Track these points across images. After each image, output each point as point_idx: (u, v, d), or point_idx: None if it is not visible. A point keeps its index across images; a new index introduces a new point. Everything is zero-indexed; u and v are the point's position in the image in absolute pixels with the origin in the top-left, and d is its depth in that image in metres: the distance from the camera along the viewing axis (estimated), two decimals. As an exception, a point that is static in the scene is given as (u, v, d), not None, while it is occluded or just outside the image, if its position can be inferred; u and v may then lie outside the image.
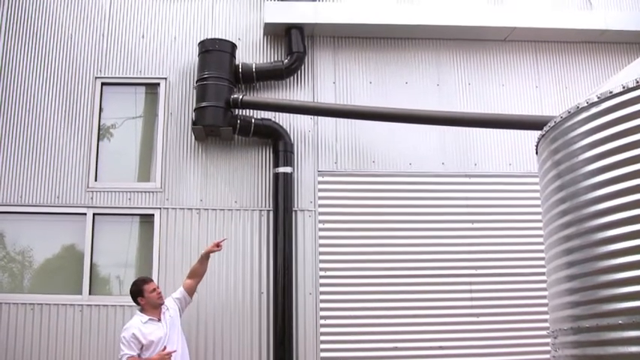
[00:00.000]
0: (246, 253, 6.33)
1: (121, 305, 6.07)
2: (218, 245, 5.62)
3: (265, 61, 6.92)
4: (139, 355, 5.15)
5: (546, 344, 4.18)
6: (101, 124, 6.72)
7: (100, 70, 6.80)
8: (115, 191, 6.44)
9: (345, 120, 6.73)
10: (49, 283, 6.29)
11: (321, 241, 6.41)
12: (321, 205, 6.52)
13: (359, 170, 6.67)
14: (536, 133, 4.26)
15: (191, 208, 6.42)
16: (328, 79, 6.94)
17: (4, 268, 6.38)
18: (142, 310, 5.34)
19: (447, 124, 6.53)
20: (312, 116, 6.74)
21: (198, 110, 6.38)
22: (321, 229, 6.44)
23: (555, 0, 7.38)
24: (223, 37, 6.77)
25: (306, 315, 6.22)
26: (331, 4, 7.02)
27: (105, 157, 6.62)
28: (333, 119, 6.74)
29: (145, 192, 6.46)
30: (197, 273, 5.66)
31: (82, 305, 6.10)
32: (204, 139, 6.59)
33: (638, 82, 3.31)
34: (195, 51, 6.77)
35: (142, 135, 6.79)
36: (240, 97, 6.43)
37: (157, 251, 6.27)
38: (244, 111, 6.64)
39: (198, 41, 6.72)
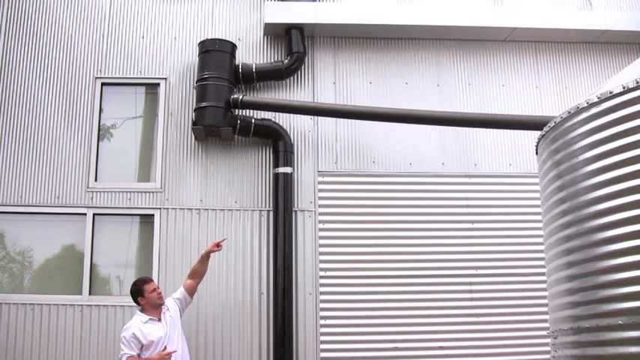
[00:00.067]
0: (246, 254, 6.33)
1: (121, 305, 6.07)
2: (218, 245, 5.62)
3: (265, 61, 6.92)
4: (138, 355, 5.15)
5: (546, 344, 4.18)
6: (101, 124, 6.72)
7: (100, 71, 6.80)
8: (115, 191, 6.44)
9: (345, 120, 6.73)
10: (49, 283, 6.29)
11: (321, 242, 6.41)
12: (321, 206, 6.52)
13: (359, 170, 6.67)
14: (536, 134, 4.26)
15: (191, 209, 6.42)
16: (328, 79, 6.94)
17: (4, 268, 6.38)
18: (143, 310, 5.34)
19: (447, 124, 6.53)
20: (312, 116, 6.74)
21: (198, 110, 6.38)
22: (321, 229, 6.44)
23: (555, 0, 7.38)
24: (223, 38, 6.77)
25: (306, 315, 6.22)
26: (331, 4, 7.02)
27: (105, 157, 6.62)
28: (333, 119, 6.74)
29: (145, 192, 6.46)
30: (197, 273, 5.66)
31: (82, 305, 6.10)
32: (204, 139, 6.59)
33: (638, 82, 3.31)
34: (195, 51, 6.77)
35: (142, 135, 6.79)
36: (240, 97, 6.43)
37: (157, 251, 6.27)
38: (244, 111, 6.64)
39: (199, 41, 6.72)
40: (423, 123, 6.52)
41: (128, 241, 6.47)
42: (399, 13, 6.93)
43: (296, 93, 6.88)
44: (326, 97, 6.87)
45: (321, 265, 6.35)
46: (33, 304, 6.07)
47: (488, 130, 6.72)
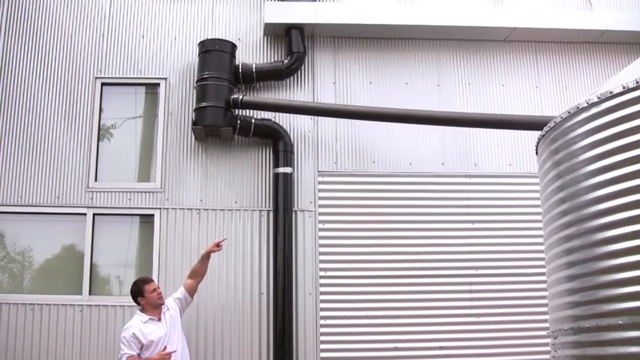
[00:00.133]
0: (246, 254, 6.33)
1: (121, 305, 6.07)
2: (218, 245, 5.62)
3: (265, 61, 6.92)
4: (138, 355, 5.15)
5: (546, 344, 4.18)
6: (101, 124, 6.72)
7: (100, 71, 6.80)
8: (115, 191, 6.44)
9: (345, 120, 6.73)
10: (49, 283, 6.29)
11: (321, 242, 6.41)
12: (321, 206, 6.52)
13: (359, 170, 6.67)
14: (536, 134, 4.26)
15: (191, 209, 6.42)
16: (328, 79, 6.94)
17: (4, 268, 6.38)
18: (143, 310, 5.34)
19: (447, 124, 6.53)
20: (312, 116, 6.74)
21: (198, 110, 6.38)
22: (321, 229, 6.44)
23: (555, 0, 7.38)
24: (223, 38, 6.77)
25: (306, 315, 6.22)
26: (331, 4, 7.02)
27: (105, 157, 6.62)
28: (333, 119, 6.74)
29: (145, 192, 6.46)
30: (198, 273, 5.66)
31: (82, 305, 6.10)
32: (204, 139, 6.59)
33: (638, 82, 3.31)
34: (195, 51, 6.77)
35: (142, 135, 6.79)
36: (240, 97, 6.43)
37: (156, 251, 6.27)
38: (244, 111, 6.64)
39: (199, 41, 6.72)
40: (423, 123, 6.52)
41: (128, 241, 6.47)
42: (399, 13, 6.93)
43: (296, 93, 6.88)
44: (326, 97, 6.87)
45: (321, 265, 6.35)
46: (33, 304, 6.07)
47: (488, 130, 6.72)
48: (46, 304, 6.07)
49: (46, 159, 6.49)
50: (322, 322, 6.21)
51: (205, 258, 5.65)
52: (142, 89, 6.90)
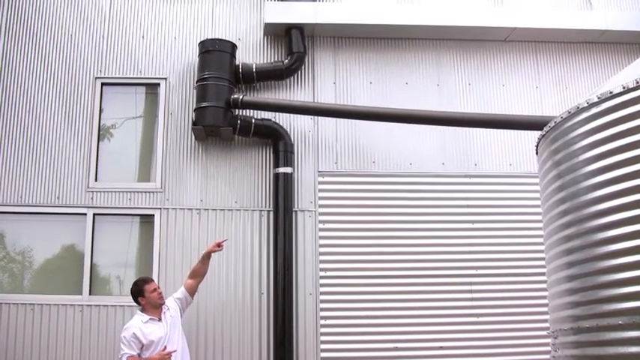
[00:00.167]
0: (246, 254, 6.33)
1: (121, 305, 6.07)
2: (219, 245, 5.62)
3: (265, 61, 6.93)
4: (139, 355, 5.15)
5: (546, 344, 4.18)
6: (101, 124, 6.72)
7: (100, 71, 6.80)
8: (115, 191, 6.44)
9: (345, 120, 6.73)
10: (49, 283, 6.29)
11: (321, 241, 6.41)
12: (321, 206, 6.52)
13: (359, 170, 6.67)
14: (537, 134, 4.26)
15: (191, 209, 6.42)
16: (328, 79, 6.94)
17: (4, 268, 6.38)
18: (143, 310, 5.34)
19: (447, 124, 6.53)
20: (312, 116, 6.74)
21: (198, 110, 6.38)
22: (321, 229, 6.44)
23: (555, 0, 7.38)
24: (223, 38, 6.77)
25: (306, 315, 6.22)
26: (331, 4, 7.02)
27: (105, 157, 6.62)
28: (333, 119, 6.74)
29: (145, 192, 6.46)
30: (198, 273, 5.66)
31: (82, 305, 6.10)
32: (205, 139, 6.59)
33: (638, 82, 3.31)
34: (195, 51, 6.77)
35: (142, 135, 6.79)
36: (241, 97, 6.43)
37: (157, 251, 6.27)
38: (244, 111, 6.64)
39: (199, 41, 6.72)
40: (423, 123, 6.53)
41: (128, 241, 6.47)
42: (399, 13, 6.93)
43: (296, 93, 6.88)
44: (326, 97, 6.87)
45: (321, 265, 6.35)
46: (33, 304, 6.07)
47: (488, 130, 6.72)
48: (46, 304, 6.07)
49: (47, 159, 6.49)
50: (322, 322, 6.21)
51: (206, 258, 5.65)
52: (142, 89, 6.90)
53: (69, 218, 6.37)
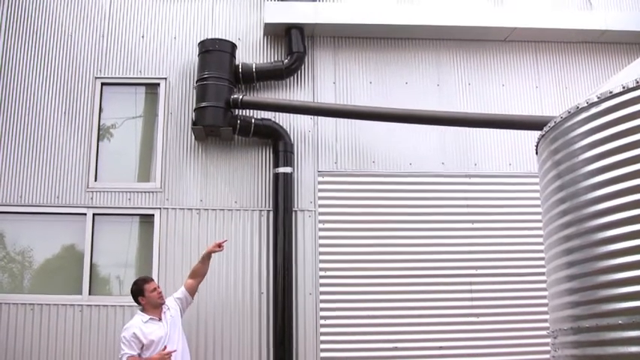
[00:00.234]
0: (246, 253, 6.33)
1: (120, 305, 6.07)
2: (220, 246, 5.62)
3: (265, 61, 6.93)
4: (139, 355, 5.15)
5: (546, 344, 4.18)
6: (101, 124, 6.72)
7: (100, 70, 6.80)
8: (114, 191, 6.44)
9: (345, 120, 6.73)
10: (49, 283, 6.29)
11: (321, 241, 6.41)
12: (321, 205, 6.52)
13: (359, 170, 6.67)
14: (536, 133, 4.26)
15: (191, 208, 6.43)
16: (328, 79, 6.94)
17: (4, 268, 6.38)
18: (143, 310, 5.34)
19: (447, 124, 6.53)
20: (312, 116, 6.74)
21: (198, 110, 6.38)
22: (321, 229, 6.44)
23: (555, 0, 7.38)
24: (223, 37, 6.77)
25: (306, 315, 6.22)
26: (331, 4, 7.02)
27: (105, 157, 6.62)
28: (333, 119, 6.74)
29: (145, 192, 6.46)
30: (198, 273, 5.66)
31: (82, 305, 6.10)
32: (204, 139, 6.59)
33: (638, 82, 3.31)
34: (195, 51, 6.77)
35: (142, 135, 6.79)
36: (240, 97, 6.43)
37: (156, 251, 6.27)
38: (244, 111, 6.64)
39: (198, 41, 6.72)
40: (423, 123, 6.52)
41: (128, 241, 6.48)
42: (399, 13, 6.93)
43: (296, 93, 6.88)
44: (326, 97, 6.87)
45: (321, 265, 6.35)
46: (33, 304, 6.07)
47: (488, 130, 6.72)
48: (46, 304, 6.07)
49: (46, 159, 6.49)
50: (322, 322, 6.21)
51: (206, 258, 5.65)
52: (142, 89, 6.90)
53: (69, 218, 6.37)
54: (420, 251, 6.44)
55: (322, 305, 6.25)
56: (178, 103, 6.74)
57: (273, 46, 7.01)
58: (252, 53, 6.95)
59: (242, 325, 6.15)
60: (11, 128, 6.57)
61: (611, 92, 3.42)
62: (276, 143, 6.51)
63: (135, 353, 5.13)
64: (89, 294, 6.16)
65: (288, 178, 6.40)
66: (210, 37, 6.78)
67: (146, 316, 5.27)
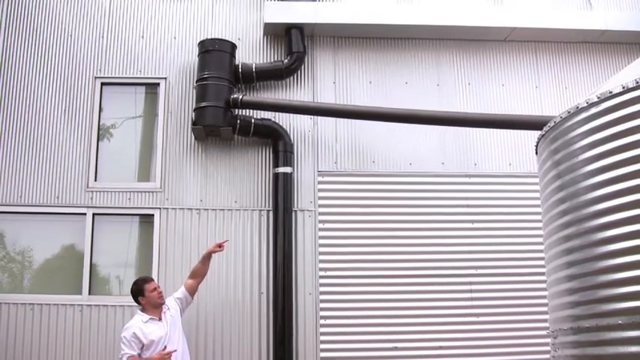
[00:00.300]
0: (246, 253, 6.33)
1: (120, 305, 6.07)
2: (220, 246, 5.62)
3: (265, 61, 6.92)
4: (139, 355, 5.15)
5: (546, 344, 4.18)
6: (101, 123, 6.71)
7: (100, 70, 6.80)
8: (114, 191, 6.44)
9: (345, 120, 6.73)
10: (49, 283, 6.29)
11: (321, 241, 6.41)
12: (321, 205, 6.52)
13: (359, 170, 6.67)
14: (536, 133, 4.26)
15: (191, 208, 6.42)
16: (328, 79, 6.94)
17: (4, 268, 6.38)
18: (143, 310, 5.34)
19: (447, 124, 6.53)
20: (312, 116, 6.74)
21: (198, 110, 6.38)
22: (321, 229, 6.44)
23: (555, 0, 7.38)
24: (223, 37, 6.77)
25: (306, 315, 6.22)
26: (331, 4, 7.02)
27: (105, 156, 6.62)
28: (333, 119, 6.74)
29: (145, 192, 6.46)
30: (199, 273, 5.66)
31: (81, 305, 6.10)
32: (204, 139, 6.59)
33: (637, 82, 3.31)
34: (194, 51, 6.77)
35: (142, 135, 6.79)
36: (240, 97, 6.43)
37: (156, 251, 6.27)
38: (244, 111, 6.64)
39: (198, 41, 6.72)
40: (423, 123, 6.52)
41: (128, 240, 6.47)
42: (399, 13, 6.93)
43: (296, 93, 6.88)
44: (326, 96, 6.87)
45: (321, 265, 6.35)
46: (33, 303, 6.07)
47: (488, 130, 6.72)
48: (46, 304, 6.07)
49: (46, 159, 6.49)
50: (322, 322, 6.21)
51: (206, 258, 5.65)
52: (142, 89, 6.90)
53: (68, 218, 6.37)
54: (419, 251, 6.44)
55: (322, 305, 6.25)
56: (178, 102, 6.74)
57: (273, 46, 7.01)
58: (252, 53, 6.95)
59: (242, 325, 6.15)
60: (11, 127, 6.57)
61: (610, 92, 3.42)
62: (276, 143, 6.51)
63: (135, 353, 5.13)
64: (89, 294, 6.16)
65: (288, 178, 6.41)
66: (210, 36, 6.78)
67: (146, 316, 5.27)
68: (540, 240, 4.26)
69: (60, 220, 6.38)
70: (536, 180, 4.25)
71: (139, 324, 5.21)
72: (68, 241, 6.40)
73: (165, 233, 6.33)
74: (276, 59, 6.92)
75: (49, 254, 6.38)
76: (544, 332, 4.33)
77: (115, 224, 6.41)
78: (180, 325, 5.46)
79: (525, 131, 6.43)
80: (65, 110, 6.65)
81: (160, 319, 5.30)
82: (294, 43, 6.78)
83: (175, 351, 5.19)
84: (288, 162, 6.45)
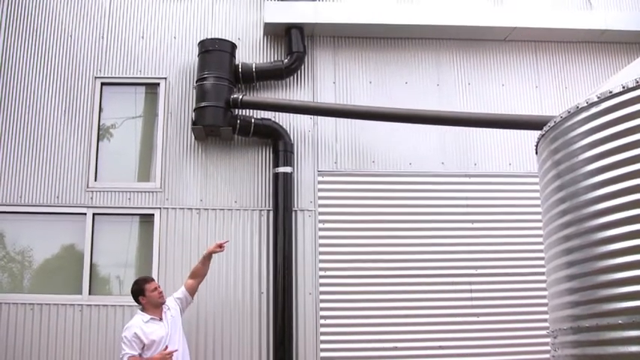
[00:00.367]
0: (246, 253, 6.33)
1: (120, 305, 6.07)
2: (220, 246, 5.62)
3: (265, 61, 6.93)
4: (140, 355, 5.15)
5: (546, 344, 4.18)
6: (101, 123, 6.72)
7: (100, 70, 6.80)
8: (114, 191, 6.44)
9: (345, 120, 6.73)
10: (48, 283, 6.29)
11: (321, 241, 6.41)
12: (321, 205, 6.52)
13: (359, 170, 6.67)
14: (536, 133, 4.26)
15: (191, 208, 6.42)
16: (328, 79, 6.94)
17: (4, 268, 6.38)
18: (144, 310, 5.34)
19: (447, 124, 6.53)
20: (312, 116, 6.74)
21: (198, 110, 6.38)
22: (321, 229, 6.44)
23: (555, 0, 7.38)
24: (223, 37, 6.77)
25: (306, 315, 6.22)
26: (331, 4, 7.02)
27: (105, 156, 6.62)
28: (333, 119, 6.74)
29: (145, 192, 6.46)
30: (199, 273, 5.66)
31: (81, 305, 6.10)
32: (204, 139, 6.59)
33: (637, 82, 3.31)
34: (194, 51, 6.77)
35: (142, 135, 6.79)
36: (240, 97, 6.43)
37: (156, 251, 6.27)
38: (244, 111, 6.64)
39: (198, 41, 6.72)
40: (423, 123, 6.52)
41: (128, 240, 6.47)
42: (399, 13, 6.93)
43: (296, 93, 6.88)
44: (326, 96, 6.87)
45: (321, 265, 6.35)
46: (33, 303, 6.07)
47: (488, 130, 6.72)
48: (46, 304, 6.07)
49: (46, 159, 6.49)
50: (322, 321, 6.21)
51: (207, 258, 5.65)
52: (142, 89, 6.90)
53: (68, 218, 6.37)
54: (419, 251, 6.44)
55: (322, 305, 6.25)
56: (178, 102, 6.74)
57: (272, 45, 7.01)
58: (252, 53, 6.95)
59: (242, 325, 6.15)
60: (11, 127, 6.57)
61: (610, 92, 3.42)
62: (276, 143, 6.51)
63: (136, 353, 5.13)
64: (89, 294, 6.16)
65: (288, 178, 6.41)
66: (210, 36, 6.78)
67: (147, 316, 5.27)
68: (540, 240, 4.26)
69: (60, 220, 6.38)
70: (536, 180, 4.26)
71: (140, 324, 5.21)
72: (68, 241, 6.40)
73: (165, 233, 6.33)
74: (276, 59, 6.92)
75: (49, 254, 6.38)
76: (544, 332, 4.33)
77: (115, 224, 6.41)
78: (181, 325, 5.46)
79: (525, 131, 6.43)
80: (65, 110, 6.65)
81: (161, 319, 5.30)
82: (294, 42, 6.78)
83: (177, 351, 5.19)
84: (288, 162, 6.45)
